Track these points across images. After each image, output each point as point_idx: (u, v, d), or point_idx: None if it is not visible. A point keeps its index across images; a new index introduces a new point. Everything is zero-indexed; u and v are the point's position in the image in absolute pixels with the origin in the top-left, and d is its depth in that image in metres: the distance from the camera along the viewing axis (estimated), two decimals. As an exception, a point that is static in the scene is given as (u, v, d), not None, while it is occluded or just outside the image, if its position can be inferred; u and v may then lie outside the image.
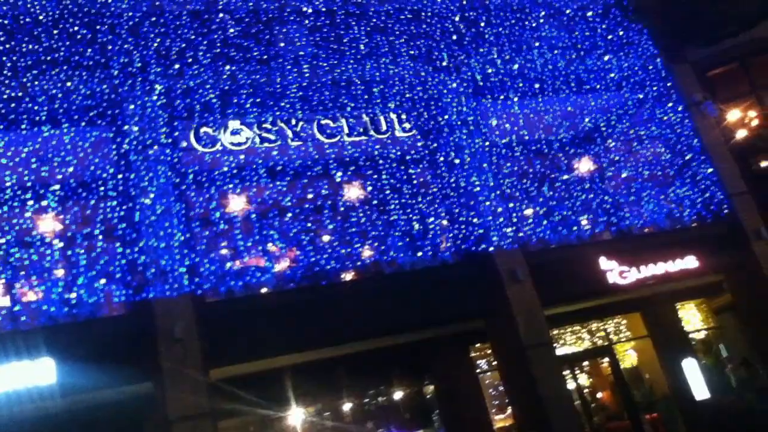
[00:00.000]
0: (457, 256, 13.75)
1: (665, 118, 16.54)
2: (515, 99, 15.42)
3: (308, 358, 12.81)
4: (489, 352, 14.67)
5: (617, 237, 15.16)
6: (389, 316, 12.48)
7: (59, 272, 11.52)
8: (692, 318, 16.99)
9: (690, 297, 16.69)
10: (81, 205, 12.09)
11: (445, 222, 14.29)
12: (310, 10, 14.65)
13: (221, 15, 13.88)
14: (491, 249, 13.44)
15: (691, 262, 14.81)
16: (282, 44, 14.16)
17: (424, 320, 12.99)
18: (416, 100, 14.72)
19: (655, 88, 16.67)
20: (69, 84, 12.18)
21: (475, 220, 13.75)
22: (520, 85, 15.60)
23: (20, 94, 11.83)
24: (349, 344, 12.73)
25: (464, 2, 16.02)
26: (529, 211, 15.00)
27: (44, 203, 11.74)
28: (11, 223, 11.53)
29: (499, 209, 13.93)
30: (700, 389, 15.04)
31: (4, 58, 12.00)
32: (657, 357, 15.64)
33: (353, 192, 14.56)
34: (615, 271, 14.25)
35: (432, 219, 14.27)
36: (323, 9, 14.82)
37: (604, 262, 14.22)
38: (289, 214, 13.35)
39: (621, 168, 16.45)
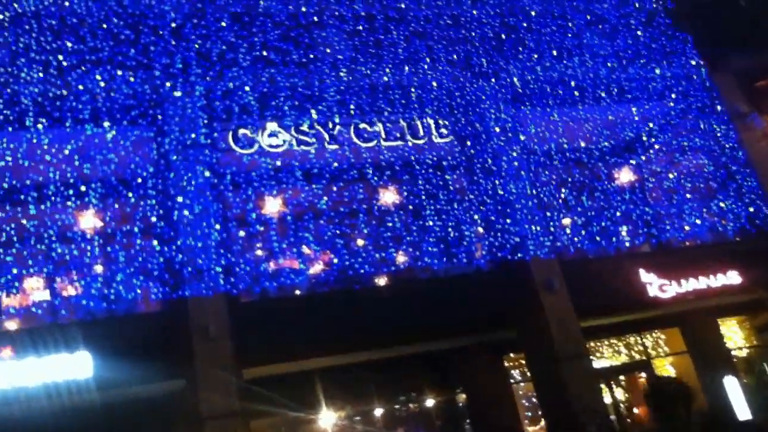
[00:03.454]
0: (492, 264, 13.62)
1: (709, 129, 16.16)
2: (555, 107, 15.20)
3: (340, 362, 12.76)
4: (523, 362, 14.44)
5: (657, 249, 14.85)
6: (422, 322, 12.38)
7: (98, 268, 11.69)
8: (734, 335, 16.50)
9: (732, 313, 16.23)
10: (121, 202, 12.26)
11: (480, 229, 14.15)
12: (349, 15, 14.66)
13: (262, 18, 13.96)
14: (527, 258, 13.25)
15: (733, 277, 14.44)
16: (321, 48, 14.18)
17: (458, 327, 12.86)
18: (454, 106, 14.62)
19: (698, 99, 16.31)
20: (112, 83, 12.34)
21: (511, 228, 13.58)
22: (560, 92, 15.38)
23: (65, 92, 12.03)
24: (381, 349, 12.65)
25: (504, 9, 15.89)
26: (566, 221, 14.78)
27: (86, 200, 11.91)
28: (53, 218, 11.73)
29: (536, 218, 13.74)
30: (741, 409, 14.56)
31: (51, 58, 12.22)
32: (696, 374, 15.21)
33: (389, 197, 14.52)
34: (654, 285, 13.96)
35: (467, 226, 14.14)
36: (363, 14, 14.82)
37: (644, 275, 13.94)
38: (324, 218, 13.35)
39: (662, 179, 16.10)
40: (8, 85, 11.62)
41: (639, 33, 16.58)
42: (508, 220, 13.67)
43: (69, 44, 12.42)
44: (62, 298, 11.54)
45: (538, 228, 13.64)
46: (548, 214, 14.22)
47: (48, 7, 12.65)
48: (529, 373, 14.22)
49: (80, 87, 12.15)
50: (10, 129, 11.46)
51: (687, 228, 15.36)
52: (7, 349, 9.98)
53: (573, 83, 15.56)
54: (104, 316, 10.91)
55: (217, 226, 11.89)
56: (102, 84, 12.28)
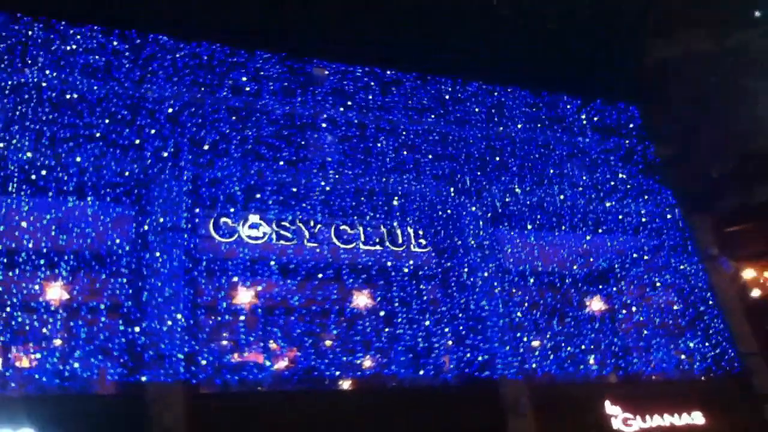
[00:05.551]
0: (459, 378, 13.43)
1: (680, 267, 16.55)
2: (532, 230, 15.56)
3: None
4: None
5: (624, 381, 14.80)
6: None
7: (57, 342, 11.31)
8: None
9: (695, 455, 15.96)
10: (91, 277, 12.04)
11: (450, 342, 14.06)
12: (343, 121, 15.17)
13: (258, 114, 14.36)
14: (495, 376, 13.11)
15: (697, 417, 14.31)
16: (312, 149, 14.56)
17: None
18: (435, 219, 14.89)
19: (671, 237, 16.81)
20: (102, 159, 12.44)
21: (481, 344, 13.52)
22: (538, 217, 15.80)
23: (53, 163, 12.07)
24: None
25: (491, 132, 16.56)
26: (536, 343, 14.76)
27: (56, 271, 11.70)
28: (19, 286, 11.45)
29: (506, 337, 13.72)
30: None
31: (45, 128, 12.34)
32: None
33: (362, 300, 14.47)
34: (619, 417, 13.78)
35: (438, 338, 14.06)
36: (356, 121, 15.33)
37: (609, 406, 13.78)
38: (295, 314, 13.22)
39: (632, 312, 16.29)
40: (-3, 150, 11.66)
41: (618, 169, 17.29)
42: (479, 337, 13.63)
43: (65, 117, 12.60)
44: (15, 369, 11.08)
45: (508, 347, 13.59)
46: (518, 334, 14.21)
47: (51, 80, 12.92)
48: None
49: (69, 159, 12.22)
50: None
51: (654, 363, 15.40)
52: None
53: (551, 209, 16.02)
54: (55, 392, 10.43)
55: (186, 312, 11.67)
56: (91, 159, 12.37)
